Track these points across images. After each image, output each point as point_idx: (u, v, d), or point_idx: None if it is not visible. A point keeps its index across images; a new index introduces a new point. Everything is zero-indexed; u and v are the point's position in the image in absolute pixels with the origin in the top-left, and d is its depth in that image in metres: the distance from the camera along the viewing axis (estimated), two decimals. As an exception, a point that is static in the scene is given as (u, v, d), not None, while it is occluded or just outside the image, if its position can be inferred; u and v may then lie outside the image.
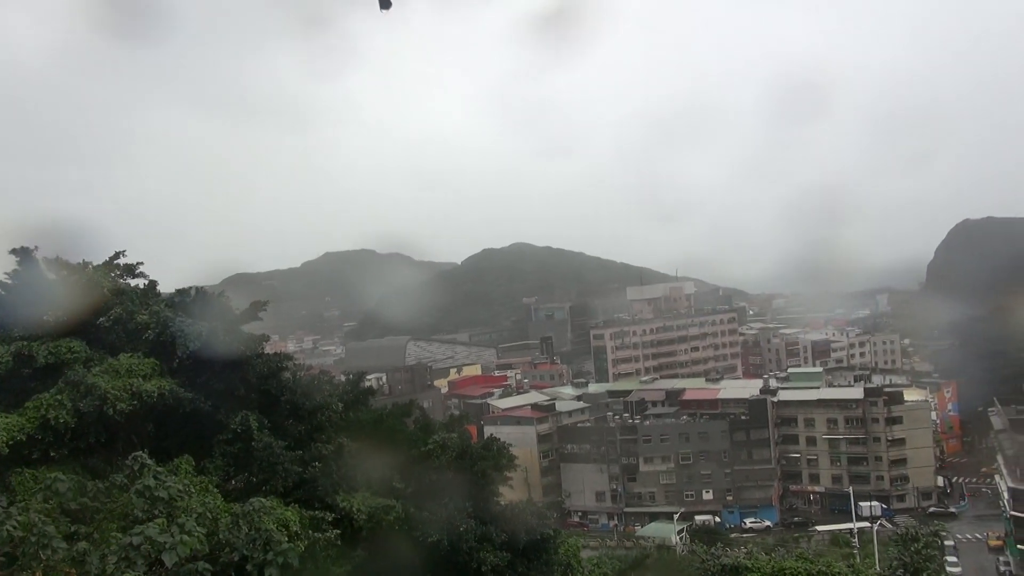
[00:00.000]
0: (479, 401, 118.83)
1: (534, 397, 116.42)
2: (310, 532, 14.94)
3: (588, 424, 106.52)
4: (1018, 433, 76.36)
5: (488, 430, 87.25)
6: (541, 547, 22.09)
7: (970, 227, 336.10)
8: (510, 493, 28.44)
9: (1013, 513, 73.14)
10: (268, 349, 21.12)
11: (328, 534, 15.19)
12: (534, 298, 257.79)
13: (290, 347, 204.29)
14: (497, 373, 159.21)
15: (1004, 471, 77.86)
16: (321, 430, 20.34)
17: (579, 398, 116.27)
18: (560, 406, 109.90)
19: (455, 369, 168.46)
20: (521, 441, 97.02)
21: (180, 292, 21.16)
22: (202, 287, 21.59)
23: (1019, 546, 72.19)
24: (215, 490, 15.14)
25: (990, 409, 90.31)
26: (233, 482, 17.84)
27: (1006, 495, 76.34)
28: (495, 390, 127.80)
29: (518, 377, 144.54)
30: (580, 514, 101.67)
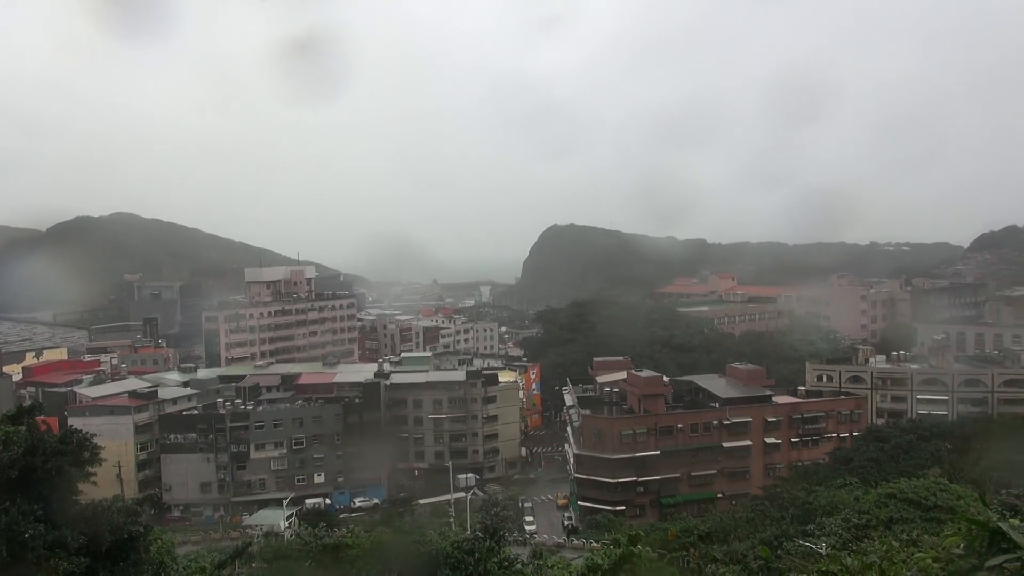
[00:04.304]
0: (63, 390, 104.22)
1: (133, 384, 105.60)
2: None
3: (195, 411, 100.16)
4: (583, 408, 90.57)
5: (74, 422, 77.37)
6: (129, 547, 20.30)
7: (557, 231, 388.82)
8: (96, 491, 25.59)
9: (576, 475, 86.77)
10: None
11: None
12: (138, 275, 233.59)
13: None
14: (88, 358, 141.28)
15: (571, 440, 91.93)
16: None
17: (186, 384, 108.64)
18: (163, 393, 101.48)
19: (33, 353, 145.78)
20: (114, 432, 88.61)
21: None
22: None
23: (580, 502, 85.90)
24: None
25: (564, 388, 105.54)
26: None
27: (572, 460, 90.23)
28: (85, 377, 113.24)
29: (115, 362, 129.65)
30: (182, 507, 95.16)
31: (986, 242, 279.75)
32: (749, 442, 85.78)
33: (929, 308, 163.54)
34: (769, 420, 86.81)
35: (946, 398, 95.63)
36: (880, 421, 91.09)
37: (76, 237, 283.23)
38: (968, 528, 4.91)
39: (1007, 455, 61.99)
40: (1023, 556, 4.23)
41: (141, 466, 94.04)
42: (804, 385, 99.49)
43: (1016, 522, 5.15)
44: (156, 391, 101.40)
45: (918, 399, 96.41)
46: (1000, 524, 4.55)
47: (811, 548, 34.00)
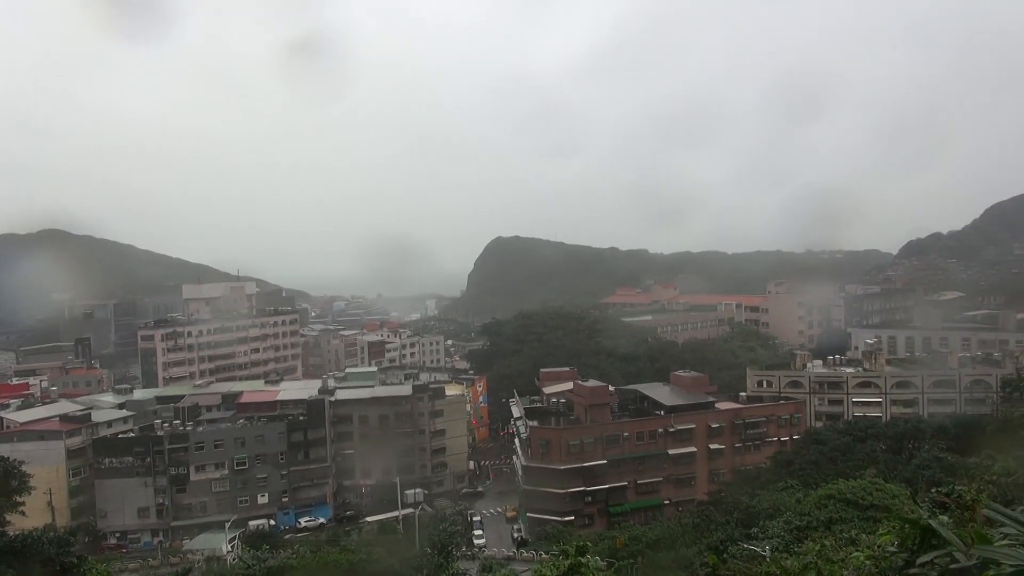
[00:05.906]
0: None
1: (65, 407, 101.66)
2: None
3: (132, 434, 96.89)
4: (531, 419, 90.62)
5: (0, 449, 74.06)
6: (61, 578, 19.51)
7: (502, 243, 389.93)
8: (26, 521, 24.63)
9: (525, 487, 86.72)
10: None
11: None
12: (69, 294, 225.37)
13: None
14: (16, 381, 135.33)
15: (519, 451, 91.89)
16: None
17: (122, 406, 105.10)
18: (97, 416, 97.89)
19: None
20: (44, 458, 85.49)
21: None
22: None
23: (529, 514, 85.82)
24: None
25: (511, 399, 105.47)
26: None
27: (520, 472, 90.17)
28: (12, 401, 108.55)
29: (44, 385, 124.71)
30: (118, 534, 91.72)
31: (913, 249, 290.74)
32: (694, 448, 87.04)
33: (862, 313, 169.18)
34: (713, 426, 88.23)
35: (880, 400, 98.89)
36: (819, 424, 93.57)
37: (0, 256, 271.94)
38: (901, 526, 5.09)
39: (936, 453, 64.49)
40: (952, 552, 4.41)
41: (74, 492, 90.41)
42: (745, 391, 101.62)
43: (945, 519, 5.37)
44: (89, 414, 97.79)
45: (854, 402, 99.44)
46: (930, 522, 4.74)
47: (755, 551, 34.73)
